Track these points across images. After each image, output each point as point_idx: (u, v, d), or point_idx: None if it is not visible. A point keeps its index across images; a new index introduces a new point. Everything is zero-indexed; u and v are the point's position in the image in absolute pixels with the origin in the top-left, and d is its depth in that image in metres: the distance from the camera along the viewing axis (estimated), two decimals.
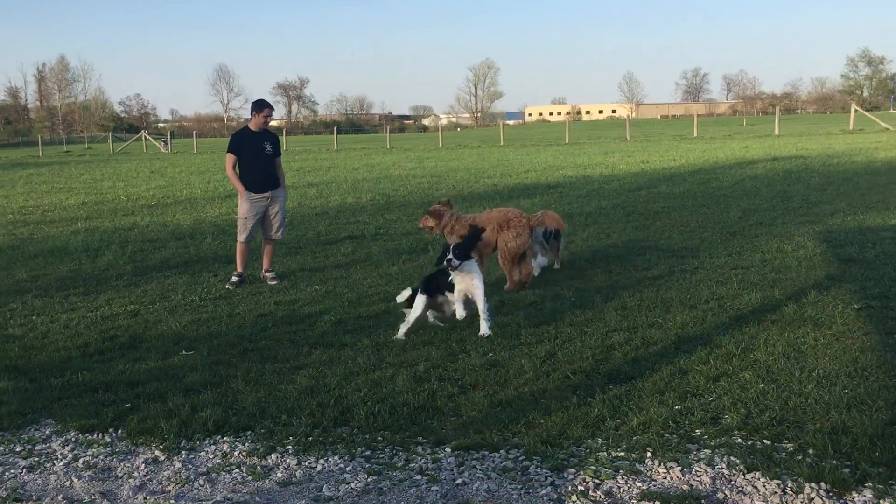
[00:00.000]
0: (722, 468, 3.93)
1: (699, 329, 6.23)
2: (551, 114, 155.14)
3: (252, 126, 8.99)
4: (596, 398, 4.82)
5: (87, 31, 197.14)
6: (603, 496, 3.72)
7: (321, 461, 4.19)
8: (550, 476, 3.91)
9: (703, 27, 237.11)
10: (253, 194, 8.92)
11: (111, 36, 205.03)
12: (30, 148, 71.30)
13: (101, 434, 4.66)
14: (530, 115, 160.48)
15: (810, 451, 4.02)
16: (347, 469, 4.09)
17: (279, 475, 4.07)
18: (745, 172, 20.09)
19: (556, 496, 3.73)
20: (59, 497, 3.91)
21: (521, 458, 4.11)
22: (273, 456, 4.28)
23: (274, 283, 8.87)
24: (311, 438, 4.45)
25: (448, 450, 4.25)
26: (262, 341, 6.44)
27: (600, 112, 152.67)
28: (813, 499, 3.61)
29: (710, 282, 7.87)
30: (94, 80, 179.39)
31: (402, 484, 3.92)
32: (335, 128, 63.68)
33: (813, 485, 3.69)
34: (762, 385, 4.93)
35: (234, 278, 8.93)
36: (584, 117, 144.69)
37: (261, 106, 8.95)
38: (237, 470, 4.14)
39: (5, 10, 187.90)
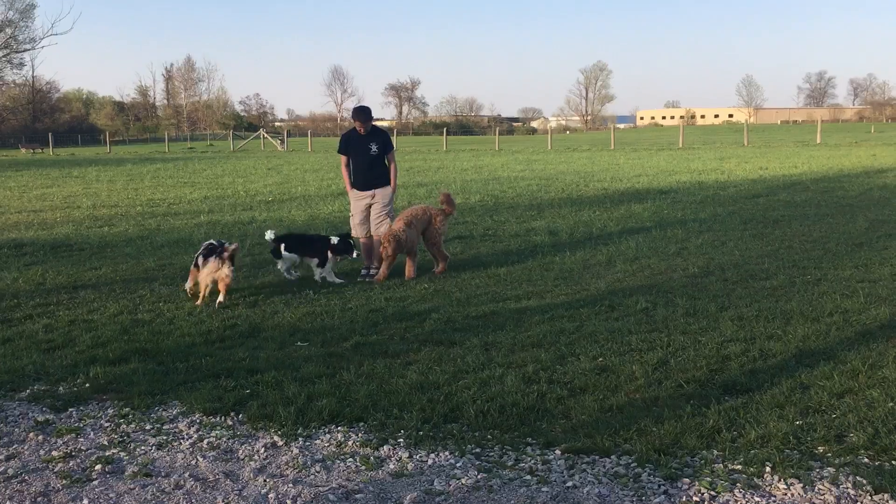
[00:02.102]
0: (847, 488, 3.76)
1: (822, 343, 5.97)
2: (664, 118, 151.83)
3: (357, 128, 9.31)
4: (711, 409, 4.70)
5: (213, 33, 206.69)
6: None
7: (432, 455, 4.25)
8: (664, 485, 3.84)
9: (829, 28, 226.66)
10: (357, 191, 9.43)
11: (235, 37, 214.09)
12: (157, 144, 75.39)
13: (223, 417, 4.88)
14: (642, 118, 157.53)
15: None
16: (458, 465, 4.14)
17: (391, 467, 4.15)
18: (872, 181, 19.07)
19: None
20: (186, 475, 4.12)
21: (633, 465, 4.06)
22: (385, 448, 4.37)
23: (368, 279, 9.06)
24: (421, 433, 4.52)
25: (558, 452, 4.24)
26: (373, 336, 6.58)
27: (716, 116, 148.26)
28: None
29: (835, 294, 7.52)
30: (217, 80, 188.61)
31: (512, 483, 3.93)
32: (444, 129, 64.24)
33: None
34: (891, 404, 4.69)
35: (362, 271, 9.37)
36: (699, 121, 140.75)
37: (353, 115, 9.46)
38: (351, 459, 4.25)
39: (138, 12, 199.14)
